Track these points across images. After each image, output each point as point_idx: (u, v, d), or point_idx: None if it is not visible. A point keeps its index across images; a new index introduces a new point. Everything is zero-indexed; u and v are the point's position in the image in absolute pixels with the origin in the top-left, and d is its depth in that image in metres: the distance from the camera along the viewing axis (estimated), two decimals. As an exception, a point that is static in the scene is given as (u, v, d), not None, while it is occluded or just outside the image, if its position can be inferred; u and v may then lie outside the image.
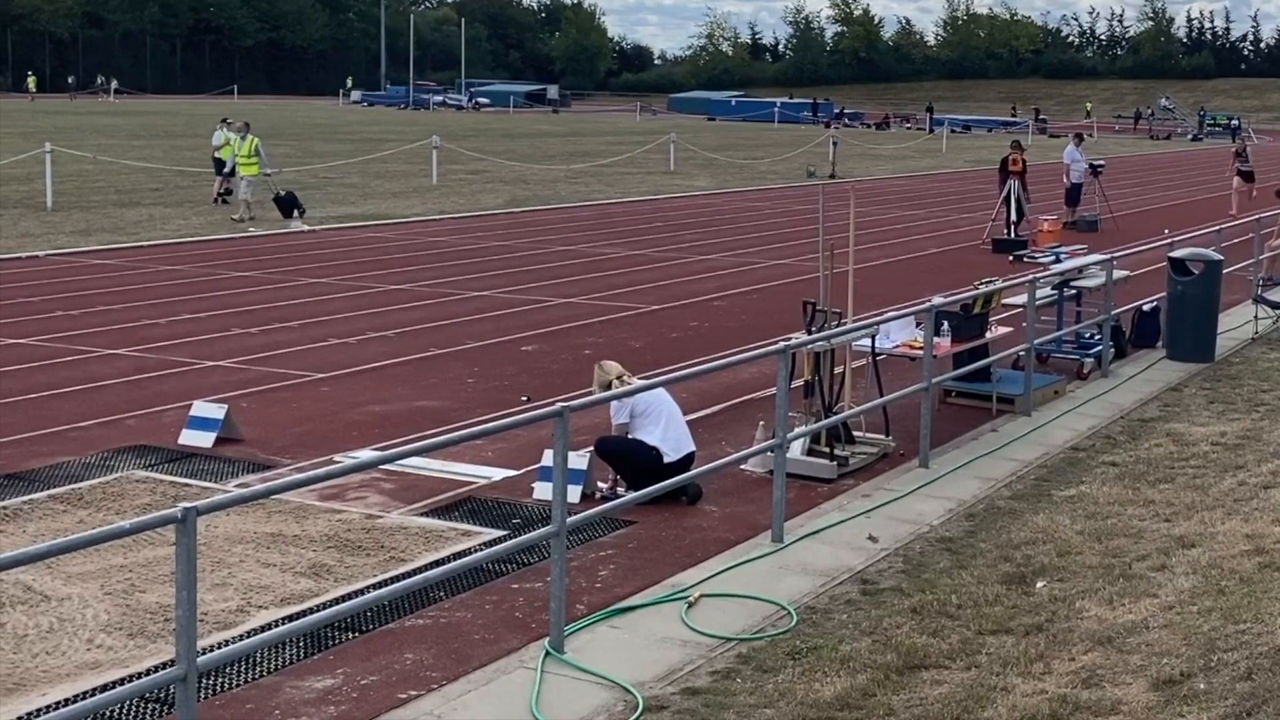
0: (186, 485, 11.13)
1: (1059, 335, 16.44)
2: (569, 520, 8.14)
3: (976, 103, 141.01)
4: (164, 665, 7.46)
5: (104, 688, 7.37)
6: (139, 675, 7.52)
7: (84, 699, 7.16)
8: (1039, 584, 9.21)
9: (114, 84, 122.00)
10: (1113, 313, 16.62)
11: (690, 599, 8.96)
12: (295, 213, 30.48)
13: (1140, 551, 9.83)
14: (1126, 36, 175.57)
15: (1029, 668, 7.83)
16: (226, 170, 33.85)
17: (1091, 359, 16.49)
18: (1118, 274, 16.95)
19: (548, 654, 8.04)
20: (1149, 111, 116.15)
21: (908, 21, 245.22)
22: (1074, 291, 16.90)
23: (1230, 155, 42.42)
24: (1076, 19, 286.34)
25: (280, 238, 28.39)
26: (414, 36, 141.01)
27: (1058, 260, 18.89)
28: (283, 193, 31.20)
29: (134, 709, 7.28)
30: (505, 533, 10.08)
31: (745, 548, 10.06)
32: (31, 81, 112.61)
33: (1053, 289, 16.53)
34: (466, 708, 7.46)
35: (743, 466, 11.66)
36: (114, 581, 8.94)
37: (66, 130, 60.76)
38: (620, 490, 10.96)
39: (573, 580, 8.91)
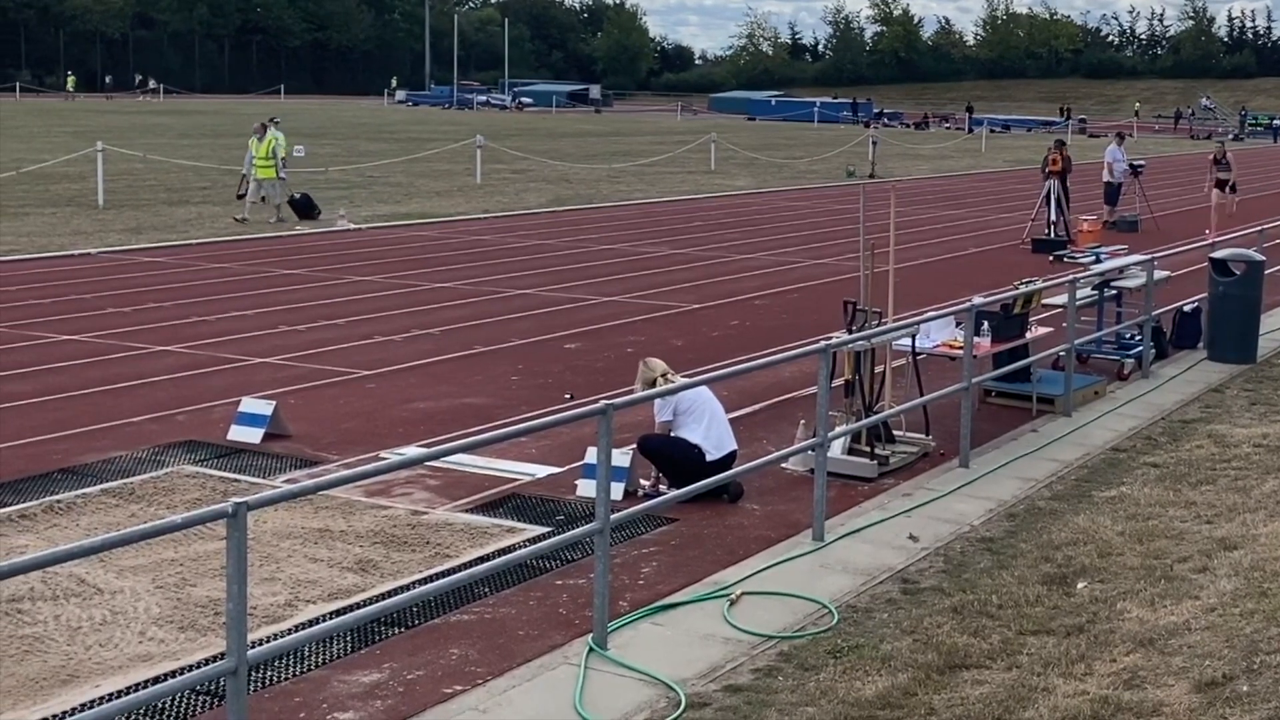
0: (235, 481, 11.25)
1: (1099, 336, 16.41)
2: (612, 517, 8.19)
3: (1016, 102, 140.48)
4: (214, 658, 7.54)
5: (155, 680, 7.48)
6: (190, 668, 7.61)
7: (136, 691, 7.25)
8: (1080, 585, 9.22)
9: (151, 83, 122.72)
10: (1153, 313, 16.57)
11: (732, 596, 9.00)
12: (314, 214, 30.56)
13: (1182, 553, 9.84)
14: (1167, 36, 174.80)
15: (1070, 668, 7.85)
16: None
17: (1132, 360, 16.46)
18: (1158, 274, 16.90)
19: (591, 650, 8.09)
20: (1189, 111, 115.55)
21: (947, 21, 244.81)
22: (1114, 292, 16.86)
23: (1207, 162, 35.06)
24: (1116, 18, 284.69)
25: (327, 236, 28.57)
26: (458, 37, 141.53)
27: (1098, 260, 18.84)
28: (298, 195, 31.30)
29: (185, 701, 7.37)
30: (549, 529, 10.16)
31: (786, 546, 10.10)
32: (71, 81, 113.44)
33: (1093, 289, 16.50)
34: (511, 703, 7.52)
35: (783, 465, 11.70)
36: (165, 575, 9.06)
37: (117, 130, 61.23)
38: (662, 488, 11.01)
39: (615, 577, 8.95)
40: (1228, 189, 33.58)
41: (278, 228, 29.48)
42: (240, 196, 32.70)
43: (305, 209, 30.92)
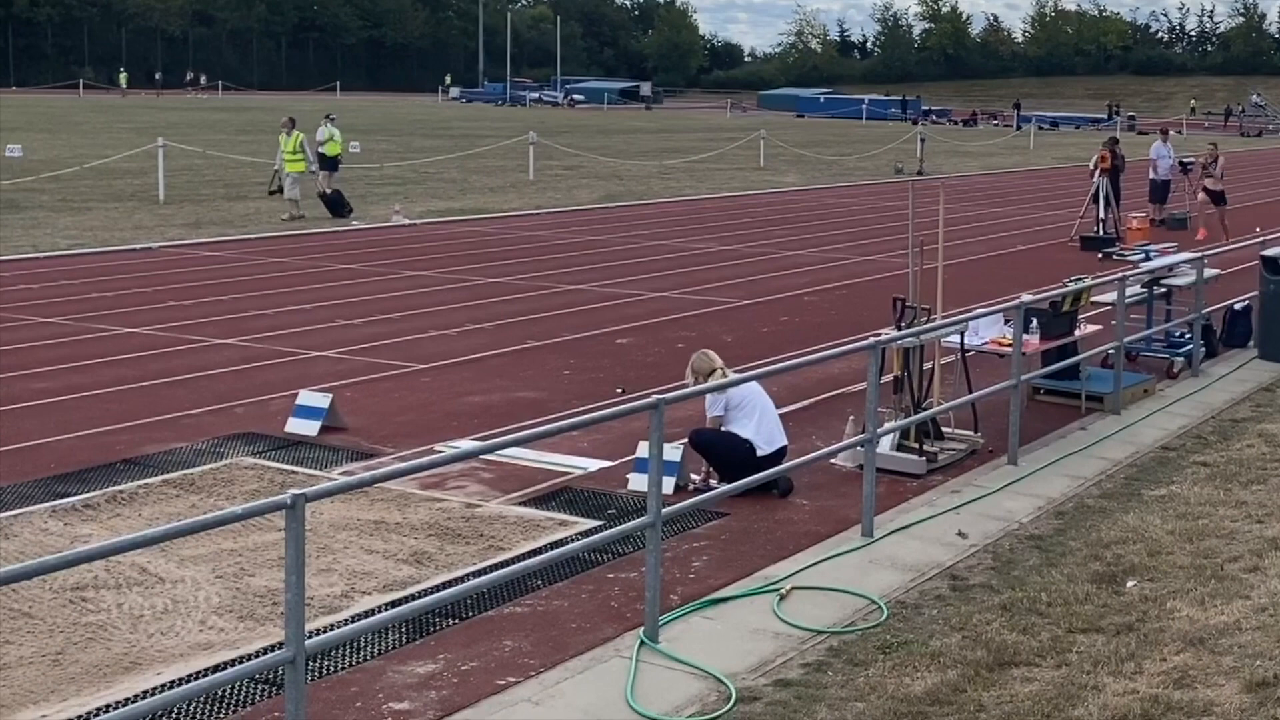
0: (293, 472, 11.40)
1: (1149, 334, 16.36)
2: (663, 511, 8.25)
3: (1064, 100, 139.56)
4: (273, 648, 7.67)
5: (216, 668, 7.59)
6: (249, 657, 7.73)
7: (197, 679, 7.34)
8: (1129, 583, 9.23)
9: (203, 79, 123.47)
10: (1203, 311, 16.52)
11: (782, 591, 9.05)
12: (345, 211, 30.65)
13: (1232, 552, 9.83)
14: (1217, 33, 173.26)
15: (1120, 667, 7.87)
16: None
17: (1182, 358, 16.41)
18: (1208, 272, 16.84)
19: (642, 643, 8.16)
20: (1239, 108, 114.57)
21: (995, 18, 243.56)
22: (1164, 290, 16.80)
23: (1197, 168, 31.70)
24: (1166, 15, 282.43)
25: (382, 231, 28.79)
26: (511, 34, 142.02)
27: (1147, 258, 18.78)
28: (329, 190, 31.41)
29: (244, 689, 7.48)
30: (601, 523, 10.24)
31: (835, 541, 10.15)
32: (123, 78, 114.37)
33: (1142, 287, 16.46)
34: (563, 695, 7.59)
35: (833, 461, 11.74)
36: (224, 565, 9.20)
37: (176, 126, 61.72)
38: (713, 482, 11.09)
39: (667, 571, 9.02)
40: (1216, 201, 30.74)
41: (290, 225, 29.44)
42: (272, 193, 32.94)
43: (336, 206, 30.93)
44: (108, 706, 7.17)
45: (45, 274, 21.91)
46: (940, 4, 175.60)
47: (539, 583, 9.09)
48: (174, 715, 7.15)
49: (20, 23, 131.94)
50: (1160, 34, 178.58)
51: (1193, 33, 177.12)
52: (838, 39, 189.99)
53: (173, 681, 7.46)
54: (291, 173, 30.95)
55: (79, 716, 7.05)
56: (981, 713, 7.36)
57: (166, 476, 11.24)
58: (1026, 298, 13.12)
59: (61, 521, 10.06)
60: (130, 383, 14.62)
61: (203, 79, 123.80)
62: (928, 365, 12.58)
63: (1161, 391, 15.36)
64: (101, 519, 10.14)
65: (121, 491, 10.79)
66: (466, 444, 11.89)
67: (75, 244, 25.29)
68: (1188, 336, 16.66)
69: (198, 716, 7.19)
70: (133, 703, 7.06)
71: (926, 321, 12.30)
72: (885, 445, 11.60)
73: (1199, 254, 17.44)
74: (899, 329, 12.13)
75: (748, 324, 18.98)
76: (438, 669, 7.87)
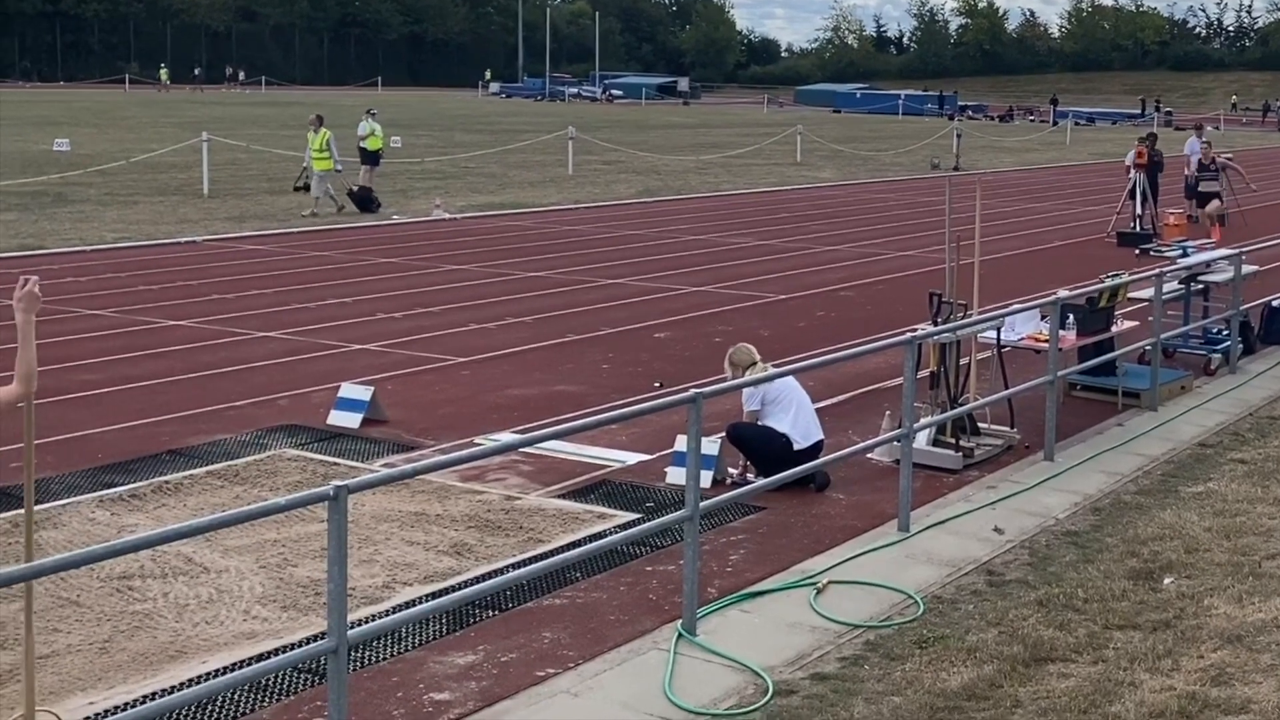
0: (335, 464, 11.51)
1: (1186, 330, 16.34)
2: (701, 505, 8.30)
3: (1101, 95, 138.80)
4: (315, 637, 7.72)
5: (259, 657, 7.69)
6: (292, 646, 7.83)
7: (241, 668, 7.48)
8: (1166, 580, 9.23)
9: (241, 75, 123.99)
10: (1241, 308, 16.48)
11: (819, 585, 9.10)
12: (374, 207, 30.70)
13: (1270, 550, 9.83)
14: (1255, 28, 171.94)
15: (1157, 664, 7.87)
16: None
17: (1219, 355, 16.37)
18: (1246, 269, 16.80)
19: (680, 636, 8.21)
20: (1278, 104, 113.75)
21: (1032, 14, 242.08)
22: (1201, 286, 16.75)
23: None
24: (1204, 10, 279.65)
25: (423, 225, 28.92)
26: (550, 30, 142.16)
27: (1185, 254, 18.72)
28: (356, 187, 31.45)
29: (287, 678, 7.57)
30: (639, 516, 10.31)
31: (872, 536, 10.19)
32: (163, 74, 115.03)
33: (1180, 283, 16.42)
34: (602, 687, 7.66)
35: (869, 455, 11.78)
36: (268, 555, 9.30)
37: (220, 120, 62.04)
38: (750, 476, 11.15)
39: (704, 564, 9.06)
40: (1212, 205, 29.49)
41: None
42: (298, 189, 33.06)
43: (365, 203, 30.97)
44: (154, 694, 7.28)
45: (92, 267, 22.16)
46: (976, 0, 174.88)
47: (578, 575, 9.15)
48: (218, 703, 7.25)
49: (68, 19, 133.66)
50: (1198, 29, 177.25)
51: (1230, 28, 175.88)
52: (874, 34, 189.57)
53: (217, 670, 7.55)
54: (318, 171, 30.94)
55: (126, 703, 7.14)
56: (1018, 708, 7.38)
57: (211, 467, 11.37)
58: (1063, 293, 13.12)
59: (109, 511, 10.20)
60: (176, 374, 14.79)
61: (241, 74, 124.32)
62: (964, 361, 12.60)
63: (1199, 388, 15.33)
64: (148, 509, 10.28)
65: (167, 482, 10.93)
66: (506, 437, 11.98)
67: (122, 237, 25.55)
68: (1225, 333, 16.62)
69: (242, 705, 7.29)
70: (178, 690, 7.14)
71: (963, 317, 12.32)
72: (922, 440, 11.62)
73: (1237, 250, 17.38)
74: (935, 324, 12.14)
75: (785, 318, 19.02)
76: (478, 660, 7.94)
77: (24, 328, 6.17)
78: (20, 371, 6.17)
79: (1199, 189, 29.68)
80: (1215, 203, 29.87)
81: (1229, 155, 36.26)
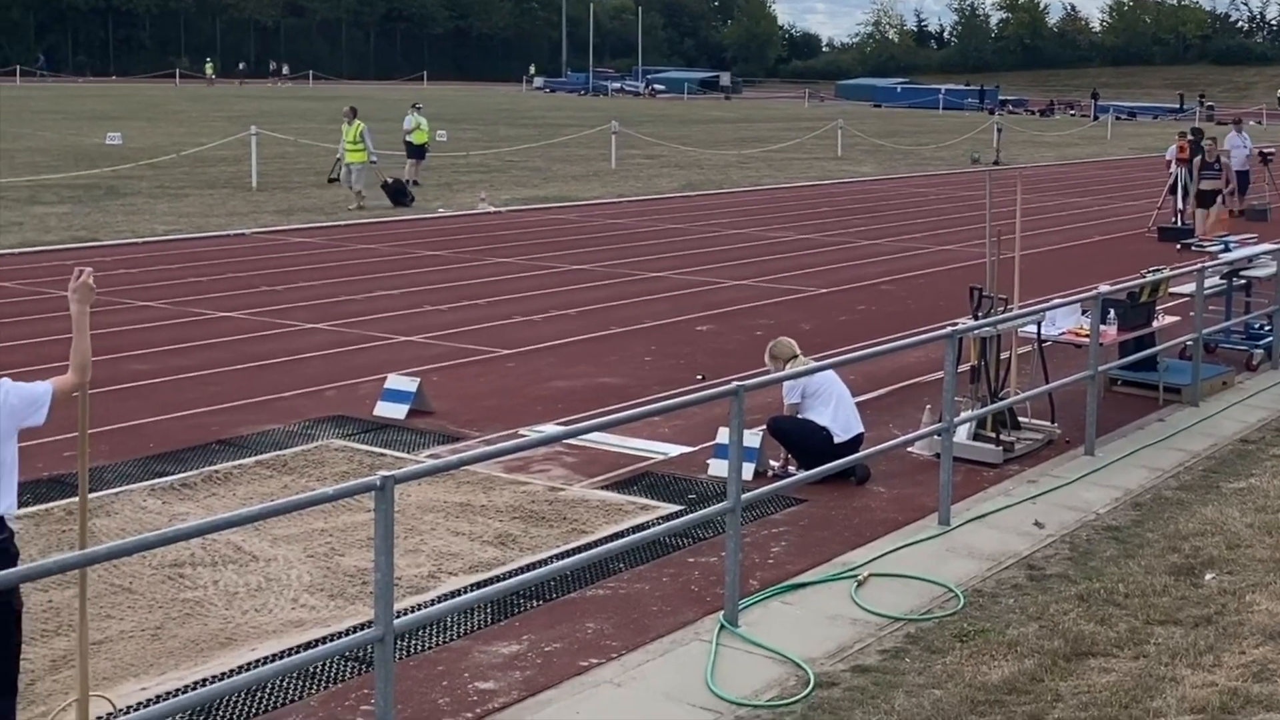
0: (381, 455, 11.63)
1: (1228, 325, 16.29)
2: (743, 497, 8.35)
3: (1142, 89, 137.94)
4: (362, 626, 7.85)
5: (308, 645, 7.79)
6: (339, 635, 7.92)
7: (290, 655, 7.57)
8: (1208, 576, 9.23)
9: (285, 69, 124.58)
10: (1284, 304, 16.40)
11: (859, 578, 9.14)
12: (407, 201, 30.72)
13: (1312, 546, 9.82)
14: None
15: (1198, 659, 7.87)
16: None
17: (1261, 350, 16.30)
18: (1290, 265, 16.72)
19: (722, 627, 8.27)
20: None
21: (1073, 8, 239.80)
22: (1243, 281, 16.70)
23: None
24: (1246, 4, 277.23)
25: (468, 218, 29.07)
26: (593, 25, 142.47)
27: (1227, 249, 18.65)
28: (389, 180, 31.51)
29: (335, 666, 7.66)
30: (681, 508, 10.38)
31: (912, 529, 10.23)
32: (209, 68, 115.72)
33: (1221, 278, 16.37)
34: (645, 677, 7.72)
35: (910, 449, 11.80)
36: (316, 544, 9.42)
37: (267, 114, 62.33)
38: (791, 469, 11.20)
39: (746, 556, 9.11)
40: (1220, 201, 28.74)
41: (358, 214, 29.41)
42: (331, 180, 33.15)
43: (398, 195, 31.01)
44: (205, 680, 7.40)
45: (144, 259, 22.38)
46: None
47: (621, 566, 9.23)
48: (267, 690, 7.35)
49: (120, 14, 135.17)
50: (1240, 23, 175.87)
51: (1274, 22, 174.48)
52: (915, 29, 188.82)
53: (267, 657, 7.65)
54: (351, 163, 30.99)
55: (177, 689, 7.26)
56: (1059, 702, 7.40)
57: (260, 457, 11.52)
58: (1104, 288, 13.12)
59: (160, 500, 10.34)
60: (225, 365, 14.96)
61: (285, 69, 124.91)
62: (1005, 355, 12.60)
63: (1240, 384, 15.28)
64: (198, 498, 10.42)
65: (217, 471, 11.08)
66: (550, 428, 12.06)
67: (172, 230, 25.78)
68: (1267, 328, 16.56)
69: (290, 692, 7.39)
70: (228, 677, 7.24)
71: (1004, 311, 12.33)
72: (962, 434, 11.65)
73: (1279, 245, 17.30)
74: (976, 318, 12.17)
75: (825, 312, 19.06)
76: (522, 649, 8.02)
77: (78, 319, 6.31)
78: (75, 362, 6.31)
79: (1200, 187, 28.53)
80: (1217, 207, 28.73)
81: (1272, 149, 36.06)
